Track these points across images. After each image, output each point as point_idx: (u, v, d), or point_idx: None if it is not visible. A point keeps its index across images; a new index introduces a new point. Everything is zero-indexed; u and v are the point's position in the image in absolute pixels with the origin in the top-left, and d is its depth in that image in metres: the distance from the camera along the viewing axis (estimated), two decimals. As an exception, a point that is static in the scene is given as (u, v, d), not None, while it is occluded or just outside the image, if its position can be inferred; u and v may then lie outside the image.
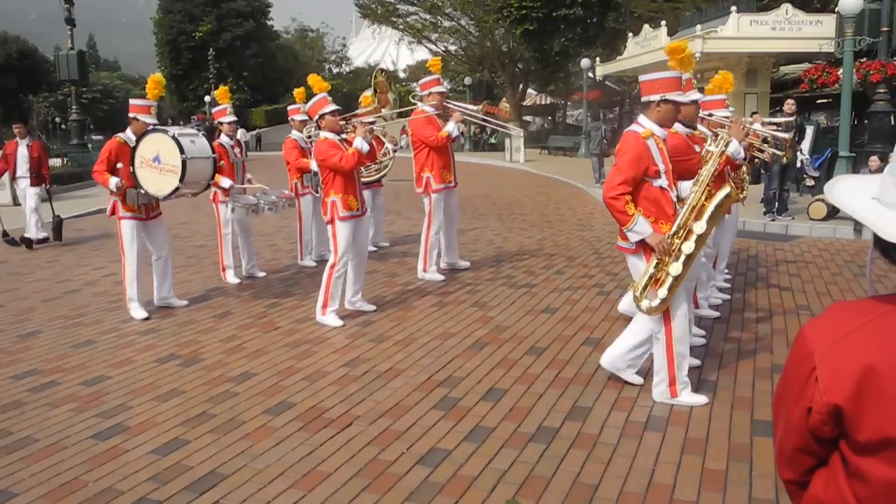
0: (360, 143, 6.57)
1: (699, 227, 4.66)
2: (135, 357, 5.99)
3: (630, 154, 4.66)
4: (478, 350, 6.02)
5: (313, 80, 6.84)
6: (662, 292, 4.65)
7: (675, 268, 4.61)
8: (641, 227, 4.64)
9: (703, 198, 4.74)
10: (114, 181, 6.85)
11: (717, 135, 5.57)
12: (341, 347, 6.14)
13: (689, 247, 4.63)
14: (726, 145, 5.34)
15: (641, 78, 4.85)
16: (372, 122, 7.27)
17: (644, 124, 4.77)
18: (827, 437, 1.40)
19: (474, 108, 9.08)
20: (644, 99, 4.81)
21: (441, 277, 8.47)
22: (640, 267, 4.84)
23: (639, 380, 5.15)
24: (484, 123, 9.16)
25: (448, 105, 8.63)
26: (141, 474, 3.99)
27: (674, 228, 4.69)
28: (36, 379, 5.51)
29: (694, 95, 5.45)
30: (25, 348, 6.27)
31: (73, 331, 6.77)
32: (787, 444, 1.49)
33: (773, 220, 11.78)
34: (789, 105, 12.15)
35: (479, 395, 5.06)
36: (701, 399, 4.86)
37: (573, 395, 5.04)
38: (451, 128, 8.22)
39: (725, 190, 4.71)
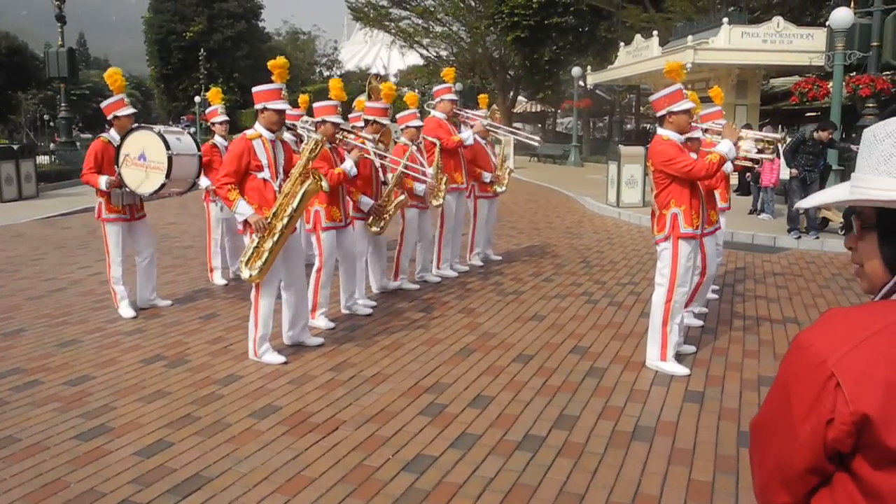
0: (348, 166, 6.59)
1: (290, 208, 5.63)
2: (120, 357, 5.94)
3: (232, 153, 5.72)
4: (465, 357, 6.00)
5: (334, 84, 6.81)
6: (259, 264, 5.60)
7: (269, 244, 5.58)
8: (242, 209, 5.61)
9: (294, 187, 5.69)
10: (103, 179, 6.84)
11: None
12: (328, 351, 6.11)
13: (281, 224, 5.59)
14: (316, 144, 5.90)
15: None
16: (370, 141, 7.18)
17: (256, 128, 5.80)
18: (847, 450, 1.32)
19: (483, 113, 9.23)
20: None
21: (455, 273, 9.03)
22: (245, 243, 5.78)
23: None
24: (494, 131, 9.26)
25: (458, 112, 8.82)
26: (124, 476, 3.95)
27: (273, 210, 5.64)
28: (19, 378, 5.45)
29: (686, 105, 5.48)
30: (9, 346, 6.21)
31: (57, 330, 6.71)
32: (792, 465, 1.39)
33: (797, 237, 11.47)
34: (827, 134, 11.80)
35: (466, 401, 5.04)
36: (279, 358, 5.78)
37: (560, 403, 5.03)
38: (467, 135, 8.62)
39: (308, 181, 5.66)
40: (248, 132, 5.82)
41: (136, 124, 7.00)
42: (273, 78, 5.87)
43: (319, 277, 6.77)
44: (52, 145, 33.46)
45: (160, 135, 6.66)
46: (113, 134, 7.04)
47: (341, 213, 6.80)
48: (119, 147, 6.80)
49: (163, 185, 6.69)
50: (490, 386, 5.34)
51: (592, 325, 6.95)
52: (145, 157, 6.68)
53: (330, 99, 6.68)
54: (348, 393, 5.18)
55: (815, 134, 11.78)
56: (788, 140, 13.23)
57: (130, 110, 7.12)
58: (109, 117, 7.10)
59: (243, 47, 60.55)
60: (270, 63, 5.94)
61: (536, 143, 11.84)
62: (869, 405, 1.26)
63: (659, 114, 5.57)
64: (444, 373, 5.61)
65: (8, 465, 4.07)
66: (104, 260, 7.33)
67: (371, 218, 7.41)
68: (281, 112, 5.83)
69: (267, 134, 5.80)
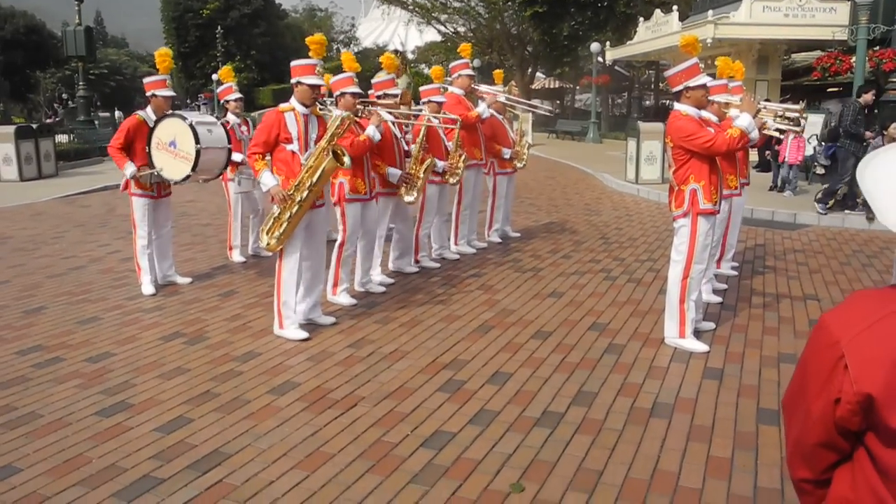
0: (372, 132, 6.56)
1: (310, 182, 5.74)
2: (140, 334, 5.99)
3: (263, 124, 5.87)
4: (483, 333, 6.00)
5: (346, 57, 6.83)
6: (278, 234, 5.74)
7: (287, 215, 5.70)
8: (265, 180, 5.77)
9: (317, 162, 5.79)
10: (130, 169, 6.93)
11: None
12: (347, 328, 6.12)
13: (300, 196, 5.70)
14: (341, 121, 6.01)
15: None
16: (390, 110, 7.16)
17: (291, 101, 5.89)
18: (854, 429, 1.34)
19: (500, 89, 9.20)
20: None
21: (473, 250, 9.07)
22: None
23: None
24: (512, 104, 9.26)
25: (476, 88, 8.78)
26: (144, 452, 3.99)
27: (296, 183, 5.74)
28: (41, 355, 5.51)
29: (703, 79, 5.42)
30: (30, 324, 6.27)
31: (78, 307, 6.76)
32: (807, 440, 1.43)
33: (824, 213, 11.23)
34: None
35: (485, 378, 5.04)
36: (301, 334, 5.81)
37: (579, 379, 5.02)
38: (482, 109, 8.59)
39: (327, 159, 5.76)
40: (283, 105, 5.94)
41: (170, 111, 7.08)
42: (310, 53, 5.96)
43: (342, 253, 6.77)
44: (49, 119, 33.77)
45: (192, 126, 6.69)
46: (149, 112, 7.14)
47: (366, 186, 6.76)
48: (152, 129, 6.88)
49: (188, 177, 6.76)
50: (508, 362, 5.34)
51: (611, 301, 6.93)
52: (175, 145, 6.74)
53: (345, 72, 6.65)
54: (367, 369, 5.20)
55: (859, 99, 11.50)
56: (808, 115, 12.97)
57: (169, 93, 7.24)
58: (148, 94, 7.22)
59: (260, 24, 60.33)
60: (308, 39, 6.04)
61: (549, 112, 11.81)
62: (872, 386, 1.28)
63: (675, 89, 5.53)
64: (462, 349, 5.62)
65: (31, 440, 4.12)
66: (123, 238, 7.40)
67: (403, 188, 7.40)
68: (314, 87, 5.88)
69: (300, 108, 5.88)
